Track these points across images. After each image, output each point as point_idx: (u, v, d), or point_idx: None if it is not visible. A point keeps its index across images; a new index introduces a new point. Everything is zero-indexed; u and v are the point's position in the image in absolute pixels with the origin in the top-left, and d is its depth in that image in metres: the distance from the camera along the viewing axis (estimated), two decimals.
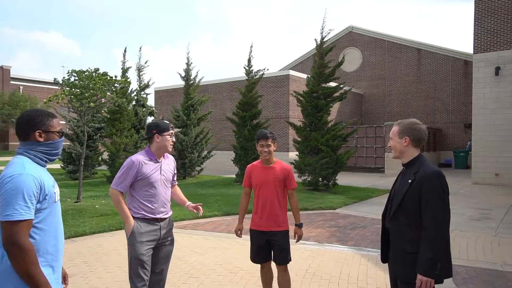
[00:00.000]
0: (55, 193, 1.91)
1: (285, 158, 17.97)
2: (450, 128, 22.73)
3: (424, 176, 2.20)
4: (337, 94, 11.86)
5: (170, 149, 2.96)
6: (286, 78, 18.19)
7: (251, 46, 13.57)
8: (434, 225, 2.12)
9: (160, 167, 2.93)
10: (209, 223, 7.24)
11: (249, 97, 13.32)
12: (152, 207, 2.86)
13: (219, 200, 9.54)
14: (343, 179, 12.86)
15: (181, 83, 22.18)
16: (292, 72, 18.44)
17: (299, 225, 3.37)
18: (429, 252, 2.10)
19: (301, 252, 5.22)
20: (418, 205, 2.20)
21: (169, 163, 3.05)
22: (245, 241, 5.80)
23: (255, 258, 3.40)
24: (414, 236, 2.20)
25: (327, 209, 8.51)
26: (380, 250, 2.55)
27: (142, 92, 17.03)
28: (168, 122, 2.99)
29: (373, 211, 8.34)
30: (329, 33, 12.11)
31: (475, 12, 14.15)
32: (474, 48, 14.20)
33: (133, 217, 2.81)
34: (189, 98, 14.99)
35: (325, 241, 5.85)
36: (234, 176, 13.72)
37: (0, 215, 1.67)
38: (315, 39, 12.36)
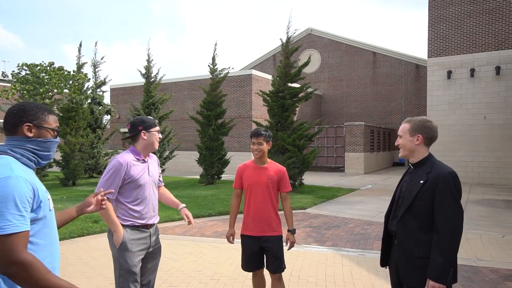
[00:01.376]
0: (48, 199, 1.61)
1: (248, 159, 17.86)
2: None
3: (439, 177, 2.08)
4: (302, 94, 11.92)
5: (157, 147, 2.71)
6: (248, 78, 18.08)
7: (216, 44, 13.31)
8: (448, 228, 2.01)
9: (148, 168, 2.67)
10: (179, 227, 6.91)
11: (214, 96, 13.05)
12: (142, 212, 2.59)
13: (185, 202, 9.11)
14: (307, 178, 12.96)
15: (139, 80, 21.40)
16: (255, 72, 18.36)
17: (292, 231, 3.19)
18: (442, 257, 1.99)
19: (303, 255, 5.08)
20: (430, 206, 2.09)
21: (153, 163, 2.79)
22: (222, 245, 5.59)
23: (247, 266, 3.19)
24: (423, 239, 2.09)
25: (298, 209, 8.46)
26: (380, 253, 2.42)
27: (98, 90, 16.15)
28: (152, 118, 2.73)
29: (342, 210, 8.43)
30: (294, 33, 12.16)
31: (429, 19, 14.89)
32: (428, 52, 14.93)
33: (121, 225, 2.52)
34: (150, 96, 14.36)
35: (302, 242, 5.77)
36: (198, 177, 13.34)
37: None
38: (281, 39, 12.34)
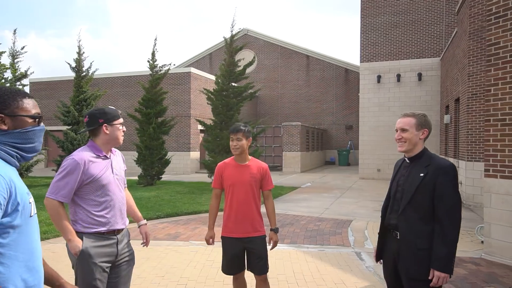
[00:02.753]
0: (30, 203, 1.36)
1: (187, 158, 17.43)
2: (334, 129, 25.13)
3: (440, 169, 2.15)
4: (246, 93, 11.95)
5: (121, 141, 2.41)
6: (187, 76, 17.65)
7: (156, 39, 12.73)
8: (450, 219, 2.10)
9: (111, 164, 2.36)
10: (129, 229, 6.45)
11: (154, 93, 12.48)
12: (107, 216, 2.27)
13: None
14: None
15: (63, 75, 19.69)
16: (193, 70, 17.98)
17: (275, 230, 3.10)
18: (445, 247, 2.07)
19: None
20: (430, 198, 2.15)
21: (118, 159, 2.48)
22: (178, 247, 5.35)
23: (229, 269, 3.05)
24: (425, 230, 2.16)
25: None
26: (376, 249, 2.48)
27: (18, 83, 14.55)
28: (114, 108, 2.43)
29: (291, 207, 8.60)
30: (239, 32, 12.14)
31: (361, 27, 15.88)
32: (360, 58, 15.92)
33: (83, 233, 2.21)
34: (81, 91, 13.30)
35: None
36: (136, 178, 12.66)
37: None
38: (224, 37, 12.26)
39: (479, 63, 9.05)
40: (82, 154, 2.24)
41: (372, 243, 5.61)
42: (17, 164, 1.37)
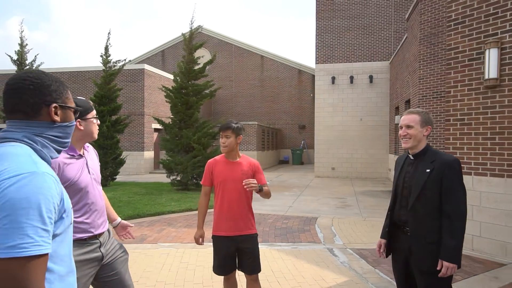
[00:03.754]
0: (71, 208, 1.21)
1: (141, 158, 16.80)
2: (287, 128, 25.57)
3: (446, 164, 2.22)
4: (207, 91, 11.75)
5: (97, 136, 2.20)
6: (140, 73, 16.99)
7: (109, 33, 12.11)
8: (457, 212, 2.18)
9: (86, 164, 2.13)
10: None
11: (107, 90, 11.86)
12: (88, 221, 2.06)
13: None
14: None
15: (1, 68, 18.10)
16: (147, 67, 17.35)
17: (260, 187, 2.87)
18: (454, 239, 2.15)
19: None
20: (438, 193, 2.22)
21: (92, 156, 2.26)
22: (148, 250, 5.11)
23: (221, 269, 2.95)
24: (433, 225, 2.23)
25: (210, 208, 8.28)
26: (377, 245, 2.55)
27: None
28: (84, 99, 2.18)
29: (255, 206, 8.49)
30: (198, 29, 11.91)
31: (316, 29, 16.30)
32: (316, 59, 16.34)
33: None
34: None
35: None
36: None
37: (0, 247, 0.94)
38: (183, 34, 11.99)
39: (429, 67, 9.68)
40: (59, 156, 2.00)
41: (341, 239, 5.75)
42: (50, 162, 1.20)
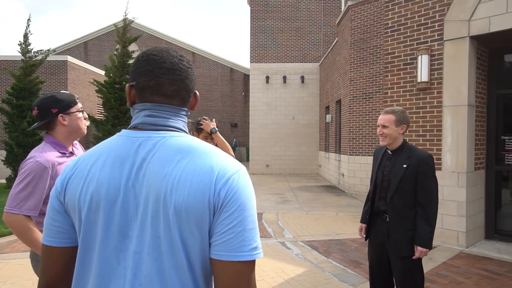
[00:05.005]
0: None
1: None
2: (219, 127, 25.53)
3: (421, 160, 2.46)
4: None
5: (85, 130, 2.07)
6: (63, 65, 15.65)
7: (29, 19, 10.97)
8: (431, 202, 2.43)
9: (59, 163, 1.98)
10: None
11: (28, 82, 10.75)
12: None
13: None
14: None
15: None
16: (71, 59, 16.04)
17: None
18: (428, 226, 2.40)
19: None
20: (413, 186, 2.45)
21: (80, 152, 2.15)
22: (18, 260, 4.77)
23: None
24: (409, 214, 2.47)
25: None
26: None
27: None
28: (67, 92, 2.04)
29: None
30: (132, 21, 11.36)
31: (251, 29, 16.55)
32: (250, 58, 16.58)
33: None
34: None
35: None
36: (4, 181, 10.72)
37: (241, 248, 0.83)
38: (116, 25, 11.35)
39: (359, 69, 10.43)
40: (47, 155, 1.83)
41: (290, 233, 5.97)
42: None
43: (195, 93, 1.00)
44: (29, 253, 2.00)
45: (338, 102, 12.52)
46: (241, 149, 24.73)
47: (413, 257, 2.43)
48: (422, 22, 5.40)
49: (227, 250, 0.82)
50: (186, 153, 0.86)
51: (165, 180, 0.83)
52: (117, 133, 0.95)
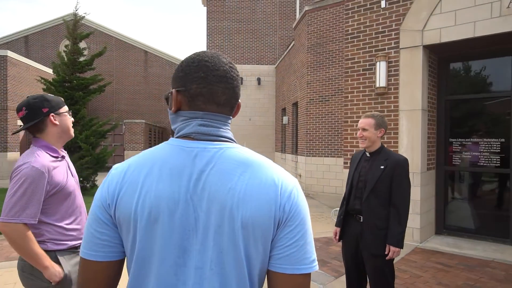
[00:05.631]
0: None
1: (3, 159, 14.38)
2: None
3: (397, 163, 2.60)
4: (95, 86, 10.77)
5: (73, 133, 2.01)
6: (2, 60, 14.52)
7: None
8: (404, 203, 2.57)
9: (68, 166, 1.96)
10: None
11: None
12: (78, 227, 1.90)
13: None
14: (100, 179, 11.71)
15: None
16: (11, 54, 14.92)
17: None
18: (400, 226, 2.54)
19: None
20: (388, 187, 2.58)
21: (67, 158, 2.09)
22: None
23: None
24: (383, 214, 2.59)
25: None
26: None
27: None
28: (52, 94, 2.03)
29: None
30: (84, 17, 10.81)
31: (207, 29, 16.43)
32: None
33: (55, 251, 1.77)
34: None
35: None
36: None
37: (303, 260, 0.85)
38: (65, 20, 10.74)
39: (316, 73, 10.75)
40: (42, 160, 1.75)
41: None
42: None
43: (239, 102, 0.99)
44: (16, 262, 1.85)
45: (295, 104, 12.80)
46: None
47: (387, 258, 2.56)
48: (380, 30, 5.70)
49: (291, 263, 0.84)
50: (246, 166, 0.86)
51: (230, 194, 0.82)
52: (166, 142, 0.92)
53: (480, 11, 4.88)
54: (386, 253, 2.56)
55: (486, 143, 5.48)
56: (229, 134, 0.94)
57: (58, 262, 1.78)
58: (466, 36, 4.97)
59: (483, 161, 5.50)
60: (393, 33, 5.58)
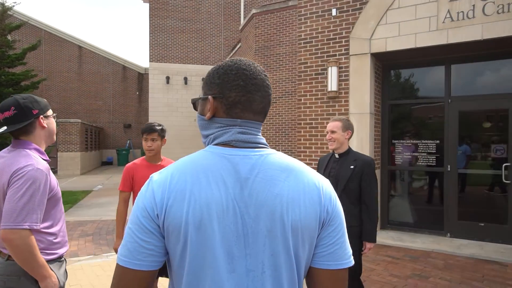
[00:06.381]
0: None
1: None
2: (111, 127, 23.86)
3: (366, 162, 2.78)
4: (27, 82, 9.92)
5: (55, 137, 1.94)
6: None
7: None
8: (373, 201, 2.75)
9: (50, 170, 1.85)
10: None
11: None
12: (63, 233, 1.80)
13: None
14: None
15: None
16: None
17: None
18: (372, 223, 2.73)
19: (85, 269, 4.36)
20: (358, 186, 2.75)
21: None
22: None
23: None
24: (356, 211, 2.76)
25: None
26: None
27: None
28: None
29: (101, 213, 7.86)
30: (12, 6, 9.90)
31: (149, 26, 15.92)
32: (149, 57, 15.94)
33: (48, 262, 1.67)
34: None
35: (99, 252, 5.11)
36: None
37: (344, 256, 0.94)
38: None
39: None
40: (42, 162, 1.68)
41: None
42: None
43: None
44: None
45: None
46: (135, 151, 23.50)
47: (362, 253, 2.73)
48: (332, 37, 5.99)
49: (334, 260, 0.90)
50: (289, 172, 0.89)
51: (278, 200, 0.85)
52: (205, 150, 0.91)
53: (420, 24, 5.35)
54: (363, 249, 2.73)
55: (424, 144, 6.01)
56: (264, 140, 0.97)
57: None
58: (408, 46, 5.42)
59: (421, 161, 6.03)
60: (343, 40, 5.89)
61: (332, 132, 2.86)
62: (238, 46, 13.35)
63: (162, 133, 2.86)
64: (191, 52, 16.34)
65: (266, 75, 0.96)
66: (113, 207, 8.58)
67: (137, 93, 23.85)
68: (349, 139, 2.93)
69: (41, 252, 1.64)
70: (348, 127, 2.89)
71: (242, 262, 0.84)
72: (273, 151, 0.94)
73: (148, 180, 0.90)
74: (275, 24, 10.75)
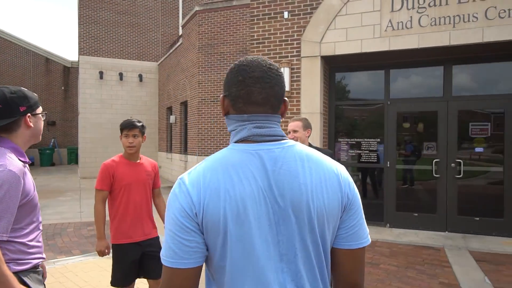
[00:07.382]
0: None
1: None
2: None
3: (328, 155, 2.91)
4: None
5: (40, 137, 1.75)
6: None
7: None
8: None
9: (26, 172, 1.66)
10: None
11: None
12: (39, 243, 1.64)
13: None
14: None
15: None
16: None
17: None
18: None
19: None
20: None
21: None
22: None
23: (126, 279, 2.66)
24: None
25: None
26: None
27: None
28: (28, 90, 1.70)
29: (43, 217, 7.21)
30: None
31: (79, 17, 14.85)
32: (79, 50, 14.88)
33: (19, 272, 1.50)
34: None
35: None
36: None
37: (363, 235, 1.03)
38: None
39: (207, 74, 10.88)
40: (16, 163, 1.48)
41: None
42: None
43: (285, 100, 1.04)
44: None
45: (184, 103, 12.67)
46: (61, 151, 21.78)
47: None
48: (284, 38, 6.20)
49: (355, 239, 1.00)
50: (309, 162, 0.97)
51: (303, 189, 0.93)
52: (228, 147, 0.98)
53: (365, 31, 5.78)
54: None
55: (366, 142, 6.50)
56: (281, 131, 1.02)
57: (24, 284, 1.53)
58: (355, 51, 5.82)
59: (364, 158, 6.51)
60: (295, 42, 6.13)
61: (294, 131, 3.00)
62: (179, 43, 13.07)
63: (143, 129, 2.78)
64: (127, 47, 15.59)
65: (270, 68, 0.98)
66: (49, 210, 7.91)
67: (63, 88, 22.15)
68: (309, 137, 3.12)
69: (11, 263, 1.48)
70: (308, 126, 3.07)
71: (276, 247, 0.92)
72: (293, 142, 1.02)
73: (178, 181, 0.95)
74: (219, 22, 10.75)
